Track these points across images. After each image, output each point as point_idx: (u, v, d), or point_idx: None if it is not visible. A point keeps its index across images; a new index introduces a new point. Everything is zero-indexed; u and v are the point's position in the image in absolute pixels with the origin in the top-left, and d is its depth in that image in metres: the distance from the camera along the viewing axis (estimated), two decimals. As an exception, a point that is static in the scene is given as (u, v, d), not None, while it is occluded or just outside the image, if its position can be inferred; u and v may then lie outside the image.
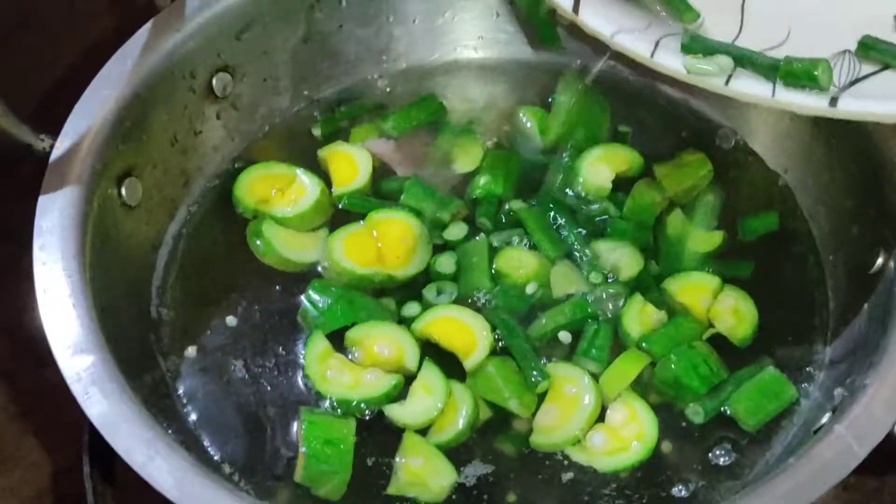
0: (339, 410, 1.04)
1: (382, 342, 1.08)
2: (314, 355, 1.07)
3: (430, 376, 1.05)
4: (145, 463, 0.87)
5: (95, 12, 1.53)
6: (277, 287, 1.15)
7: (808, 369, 1.09)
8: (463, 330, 1.09)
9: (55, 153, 1.07)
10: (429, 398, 1.04)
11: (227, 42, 1.23)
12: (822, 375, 1.08)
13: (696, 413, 1.05)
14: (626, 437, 1.03)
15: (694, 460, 1.03)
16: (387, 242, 1.16)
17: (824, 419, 0.98)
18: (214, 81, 1.24)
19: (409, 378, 1.06)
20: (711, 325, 1.12)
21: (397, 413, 1.04)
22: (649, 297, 1.11)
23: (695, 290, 1.14)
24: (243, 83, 1.27)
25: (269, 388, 1.08)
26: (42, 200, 1.04)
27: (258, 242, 1.18)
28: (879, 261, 1.06)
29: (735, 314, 1.12)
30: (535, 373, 1.05)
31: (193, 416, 1.07)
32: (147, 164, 1.16)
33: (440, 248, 1.18)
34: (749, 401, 1.05)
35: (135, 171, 1.14)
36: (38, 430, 1.31)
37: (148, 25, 1.18)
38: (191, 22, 1.19)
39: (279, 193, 1.22)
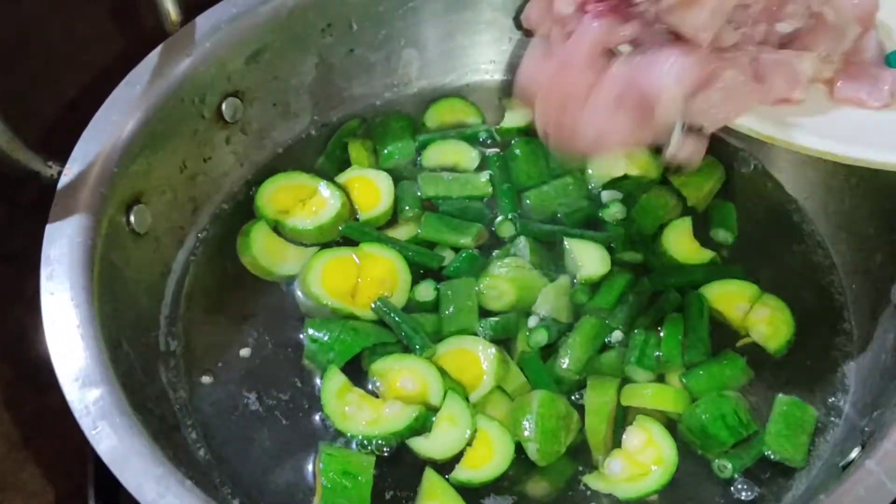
0: (362, 448, 1.03)
1: (407, 376, 1.06)
2: (332, 392, 1.05)
3: (454, 407, 1.03)
4: (156, 500, 0.85)
5: (97, 37, 1.52)
6: (290, 317, 1.13)
7: (831, 400, 1.08)
8: (473, 363, 1.07)
9: (63, 180, 1.05)
10: (454, 430, 1.02)
11: (238, 67, 1.22)
12: (847, 407, 1.06)
13: (722, 469, 1.02)
14: (644, 461, 1.01)
15: (715, 494, 1.01)
16: (367, 280, 1.14)
17: (853, 454, 0.96)
18: (224, 106, 1.22)
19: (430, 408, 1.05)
20: (746, 335, 1.11)
21: (423, 446, 1.02)
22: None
23: (732, 297, 1.13)
24: (253, 108, 1.26)
25: (284, 422, 1.06)
26: (50, 229, 1.02)
27: (241, 239, 1.18)
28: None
29: (771, 324, 1.10)
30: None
31: (203, 451, 1.04)
32: (156, 191, 1.14)
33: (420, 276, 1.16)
34: (782, 437, 1.03)
35: (143, 197, 1.12)
36: (38, 458, 1.29)
37: (158, 50, 1.16)
38: (201, 47, 1.18)
39: (300, 205, 1.21)
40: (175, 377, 1.09)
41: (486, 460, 1.01)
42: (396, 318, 1.10)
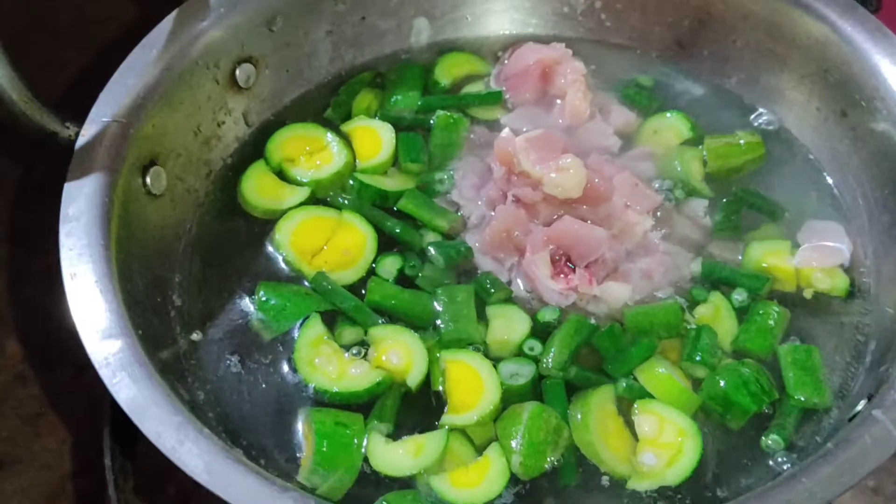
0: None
1: (398, 350, 1.06)
2: (307, 339, 1.06)
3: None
4: (175, 447, 0.86)
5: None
6: (300, 281, 1.14)
7: (854, 349, 1.09)
8: (474, 383, 1.05)
9: (80, 141, 1.07)
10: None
11: (252, 33, 1.23)
12: (868, 357, 1.07)
13: (774, 444, 1.01)
14: (670, 441, 1.00)
15: (747, 455, 1.01)
16: (332, 246, 1.15)
17: (859, 406, 0.97)
18: (238, 72, 1.23)
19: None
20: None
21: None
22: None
23: (775, 254, 1.14)
24: (266, 74, 1.27)
25: (263, 385, 1.06)
26: (68, 187, 1.03)
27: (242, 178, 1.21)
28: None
29: (825, 271, 1.12)
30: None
31: (211, 410, 1.05)
32: (171, 154, 1.16)
33: (387, 246, 1.16)
34: (802, 383, 1.03)
35: (159, 159, 1.13)
36: (50, 433, 1.31)
37: (173, 15, 1.17)
38: (216, 12, 1.19)
39: (307, 156, 1.22)
40: (185, 332, 1.10)
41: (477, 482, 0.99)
42: (331, 289, 1.11)
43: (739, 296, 1.11)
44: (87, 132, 1.07)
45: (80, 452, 1.29)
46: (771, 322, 1.08)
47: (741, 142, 1.24)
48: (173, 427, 0.88)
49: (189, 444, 0.86)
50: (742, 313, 1.11)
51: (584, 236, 1.12)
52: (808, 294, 1.12)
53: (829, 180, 1.22)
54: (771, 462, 1.00)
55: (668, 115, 1.27)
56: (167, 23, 1.17)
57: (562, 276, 1.11)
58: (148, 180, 1.11)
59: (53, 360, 1.36)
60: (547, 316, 1.09)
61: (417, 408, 1.04)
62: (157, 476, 1.18)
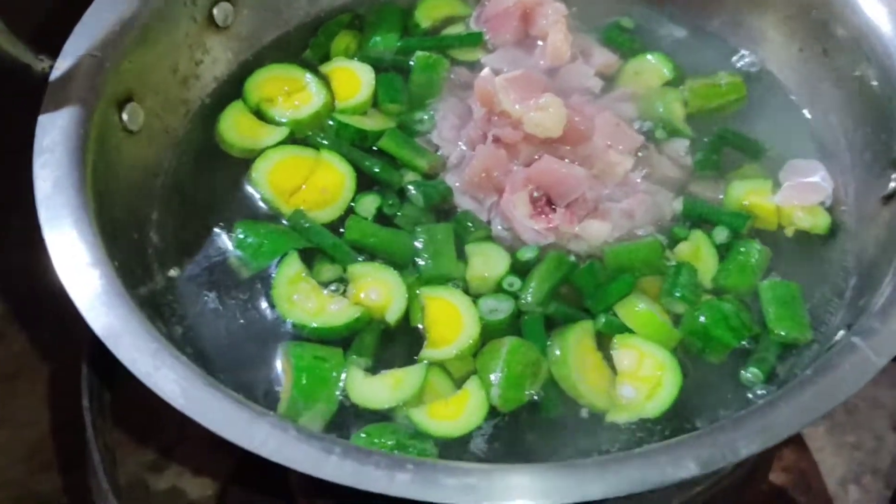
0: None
1: (377, 287, 1.05)
2: (285, 276, 1.05)
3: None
4: (150, 373, 0.85)
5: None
6: (278, 220, 1.13)
7: (834, 283, 1.09)
8: (454, 319, 1.04)
9: (54, 74, 1.05)
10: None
11: (230, -29, 1.22)
12: (848, 292, 1.07)
13: (754, 377, 1.01)
14: (649, 374, 1.00)
15: (727, 391, 1.01)
16: (311, 185, 1.14)
17: (837, 336, 0.97)
18: (216, 11, 1.22)
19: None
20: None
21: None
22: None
23: (756, 192, 1.14)
24: (244, 14, 1.26)
25: (241, 321, 1.06)
26: (42, 119, 1.01)
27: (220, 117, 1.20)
28: (892, 185, 1.05)
29: (806, 209, 1.12)
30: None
31: (189, 345, 1.04)
32: (148, 91, 1.14)
33: (366, 185, 1.15)
34: (783, 318, 1.03)
35: (136, 96, 1.12)
36: (30, 391, 1.30)
37: (148, -50, 1.15)
38: (193, -52, 1.17)
39: (285, 97, 1.21)
40: (162, 267, 1.09)
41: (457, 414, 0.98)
42: (309, 227, 1.10)
43: (720, 234, 1.11)
44: (61, 66, 1.06)
45: (60, 410, 1.28)
46: (752, 259, 1.08)
47: (722, 83, 1.24)
48: (149, 353, 0.87)
49: (165, 369, 0.85)
50: (723, 251, 1.10)
51: (564, 175, 1.11)
52: (789, 232, 1.12)
53: (811, 120, 1.22)
54: (750, 395, 1.00)
55: (650, 56, 1.27)
56: (143, -42, 1.15)
57: (542, 215, 1.10)
58: (125, 116, 1.10)
59: (32, 317, 1.35)
60: (526, 254, 1.09)
61: (397, 343, 1.04)
62: (138, 417, 1.18)
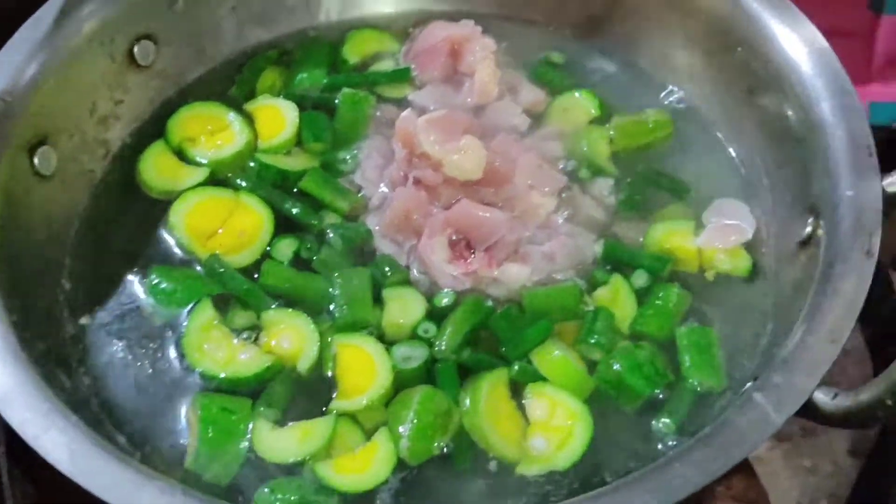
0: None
1: (289, 334, 1.04)
2: (197, 324, 1.04)
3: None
4: (39, 435, 0.84)
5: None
6: (195, 267, 1.11)
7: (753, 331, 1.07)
8: (367, 367, 1.02)
9: (-40, 121, 1.04)
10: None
11: (151, 10, 1.21)
12: (764, 339, 1.06)
13: (665, 428, 0.99)
14: (561, 424, 0.99)
15: (637, 437, 1.00)
16: (228, 229, 1.13)
17: (747, 386, 0.96)
18: (136, 49, 1.21)
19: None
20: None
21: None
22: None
23: (678, 234, 1.13)
24: (167, 51, 1.24)
25: (149, 371, 1.04)
26: (-55, 169, 1.00)
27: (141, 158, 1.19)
28: (808, 229, 1.04)
29: (727, 252, 1.11)
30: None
31: (96, 396, 1.02)
32: (63, 134, 1.13)
33: (287, 228, 1.14)
34: (699, 366, 1.02)
35: (49, 139, 1.10)
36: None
37: (64, -11, 1.14)
38: (110, -13, 1.16)
39: (208, 136, 1.20)
40: (73, 316, 1.07)
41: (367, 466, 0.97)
42: (224, 272, 1.09)
43: (640, 278, 1.10)
44: (-33, 112, 1.04)
45: None
46: (670, 305, 1.07)
47: (649, 120, 1.23)
48: (41, 414, 0.86)
49: (54, 432, 0.84)
50: (643, 295, 1.09)
51: (483, 219, 1.10)
52: (709, 276, 1.11)
53: (736, 159, 1.21)
54: (660, 445, 0.98)
55: (577, 93, 1.26)
56: (57, -1, 1.14)
57: (461, 259, 1.09)
58: (36, 161, 1.09)
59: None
60: (443, 300, 1.07)
61: (309, 393, 1.02)
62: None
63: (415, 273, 1.11)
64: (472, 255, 1.10)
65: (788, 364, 0.89)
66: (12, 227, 1.02)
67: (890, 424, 1.12)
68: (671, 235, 1.13)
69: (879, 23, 1.34)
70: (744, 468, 1.25)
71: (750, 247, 1.12)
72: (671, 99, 1.27)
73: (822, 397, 0.87)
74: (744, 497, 1.26)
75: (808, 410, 0.87)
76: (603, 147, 1.21)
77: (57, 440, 0.84)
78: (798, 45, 1.11)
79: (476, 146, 1.11)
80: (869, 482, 1.23)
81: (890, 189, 1.00)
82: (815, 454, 1.29)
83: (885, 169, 1.00)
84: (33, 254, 1.06)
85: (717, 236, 1.12)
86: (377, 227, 1.13)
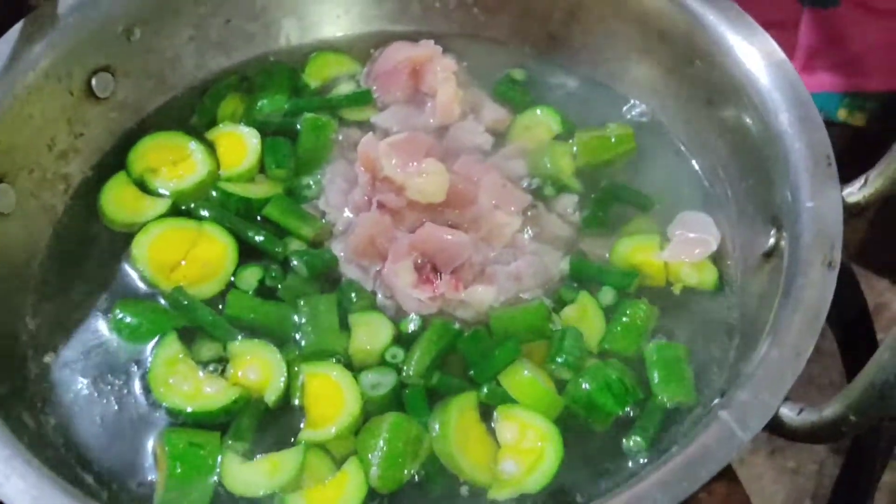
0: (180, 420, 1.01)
1: (256, 366, 1.03)
2: (162, 359, 1.03)
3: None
4: (1, 483, 0.83)
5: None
6: (159, 300, 1.11)
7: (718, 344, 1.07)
8: (335, 396, 1.02)
9: (-86, 160, 1.03)
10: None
11: (107, 42, 1.20)
12: (731, 353, 1.06)
13: (635, 447, 0.99)
14: (531, 446, 0.99)
15: (608, 455, 1.00)
16: (191, 260, 1.12)
17: (714, 402, 0.96)
18: (94, 81, 1.20)
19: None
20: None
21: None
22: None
23: (643, 249, 1.13)
24: (126, 82, 1.23)
25: (115, 407, 1.03)
26: None
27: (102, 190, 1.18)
28: (771, 240, 1.04)
29: (693, 265, 1.11)
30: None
31: (62, 436, 1.01)
32: (21, 170, 1.12)
33: (251, 256, 1.13)
34: (669, 382, 1.03)
35: (6, 177, 1.10)
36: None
37: (19, 25, 1.13)
38: (65, 21, 1.15)
39: (169, 166, 1.19)
40: (35, 354, 1.06)
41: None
42: (188, 304, 1.08)
43: (607, 295, 1.10)
44: (-81, 155, 1.03)
45: None
46: (638, 321, 1.07)
47: (611, 135, 1.23)
48: (2, 460, 0.85)
49: (15, 478, 0.84)
50: (611, 312, 1.09)
51: (448, 243, 1.10)
52: (676, 289, 1.11)
53: (699, 171, 1.21)
54: (631, 464, 0.98)
55: (539, 110, 1.26)
56: (12, 34, 1.13)
57: (427, 283, 1.09)
58: (-6, 199, 1.08)
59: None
60: (410, 325, 1.07)
61: (278, 424, 1.02)
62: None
63: (380, 298, 1.10)
64: (439, 279, 1.09)
65: (754, 380, 0.89)
66: (-29, 267, 1.01)
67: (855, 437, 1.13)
68: (637, 250, 1.13)
69: (802, 15, 1.35)
70: (726, 473, 1.26)
71: (715, 259, 1.12)
72: (633, 113, 1.27)
73: (788, 413, 0.87)
74: (726, 502, 1.26)
75: (775, 426, 0.87)
76: (566, 163, 1.21)
77: (18, 486, 0.83)
78: (755, 58, 1.11)
79: (438, 169, 1.11)
80: (849, 481, 1.24)
81: (850, 199, 1.00)
82: (799, 455, 1.29)
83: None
84: (-6, 293, 1.05)
85: (683, 249, 1.12)
86: (342, 253, 1.13)
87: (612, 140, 1.22)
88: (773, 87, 1.08)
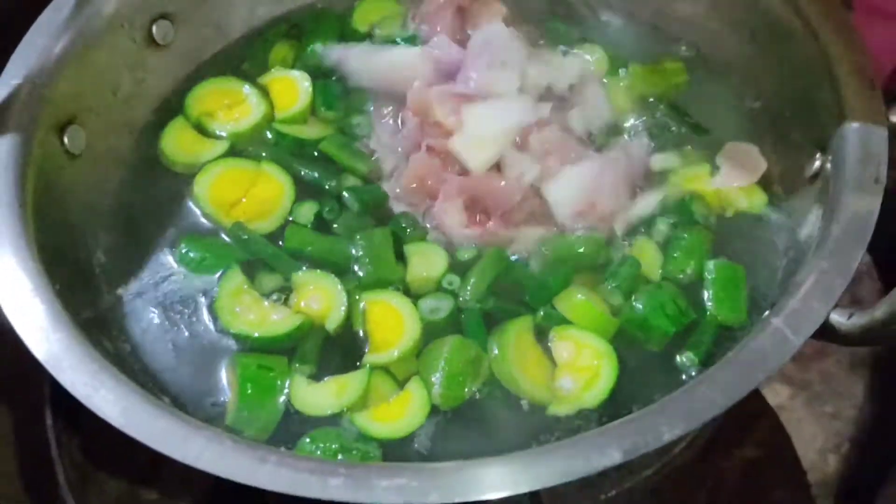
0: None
1: (318, 295, 1.07)
2: (227, 290, 1.07)
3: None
4: (91, 395, 0.88)
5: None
6: (222, 236, 1.15)
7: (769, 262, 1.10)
8: (395, 322, 1.06)
9: (-8, 104, 1.07)
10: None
11: (167, -12, 1.23)
12: (780, 272, 1.09)
13: (689, 362, 1.02)
14: (587, 364, 1.02)
15: (661, 375, 1.03)
16: (251, 198, 1.16)
17: (766, 314, 0.98)
18: (154, 29, 1.23)
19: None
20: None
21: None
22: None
23: (696, 178, 1.16)
24: (184, 29, 1.27)
25: (186, 334, 1.08)
26: (-20, 152, 1.04)
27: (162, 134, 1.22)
28: (817, 164, 1.07)
29: (743, 190, 1.14)
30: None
31: (137, 362, 1.06)
32: (90, 114, 1.16)
33: (308, 194, 1.17)
34: (724, 302, 1.05)
35: (77, 119, 1.14)
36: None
37: (82, -26, 1.17)
38: (128, -31, 1.19)
39: (225, 110, 1.23)
40: (108, 287, 1.11)
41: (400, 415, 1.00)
42: (248, 238, 1.12)
43: (662, 223, 1.13)
44: (-2, 93, 1.08)
45: (25, 404, 1.28)
46: (695, 243, 1.10)
47: (663, 68, 1.25)
48: (89, 374, 0.89)
49: (104, 391, 0.88)
50: (667, 243, 1.12)
51: (497, 188, 1.12)
52: (729, 213, 1.14)
53: (745, 101, 1.23)
54: (685, 377, 1.02)
55: (589, 47, 1.28)
56: (77, -17, 1.17)
57: (477, 224, 1.12)
58: (66, 140, 1.12)
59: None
60: (465, 254, 1.11)
61: (341, 349, 1.06)
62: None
63: (431, 235, 1.13)
64: (489, 219, 1.12)
65: (804, 289, 0.92)
66: (48, 203, 1.05)
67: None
68: (689, 180, 1.16)
69: None
70: (768, 414, 1.29)
71: (762, 184, 1.15)
72: (680, 49, 1.29)
73: (838, 318, 0.90)
74: (768, 441, 1.29)
75: (826, 331, 0.89)
76: (622, 100, 1.23)
77: (107, 398, 0.87)
78: (798, -16, 1.13)
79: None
80: (888, 426, 1.26)
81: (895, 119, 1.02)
82: (837, 399, 1.31)
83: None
84: (69, 229, 1.10)
85: (733, 175, 1.14)
86: (397, 191, 1.16)
87: (664, 72, 1.24)
88: (817, 15, 1.10)
